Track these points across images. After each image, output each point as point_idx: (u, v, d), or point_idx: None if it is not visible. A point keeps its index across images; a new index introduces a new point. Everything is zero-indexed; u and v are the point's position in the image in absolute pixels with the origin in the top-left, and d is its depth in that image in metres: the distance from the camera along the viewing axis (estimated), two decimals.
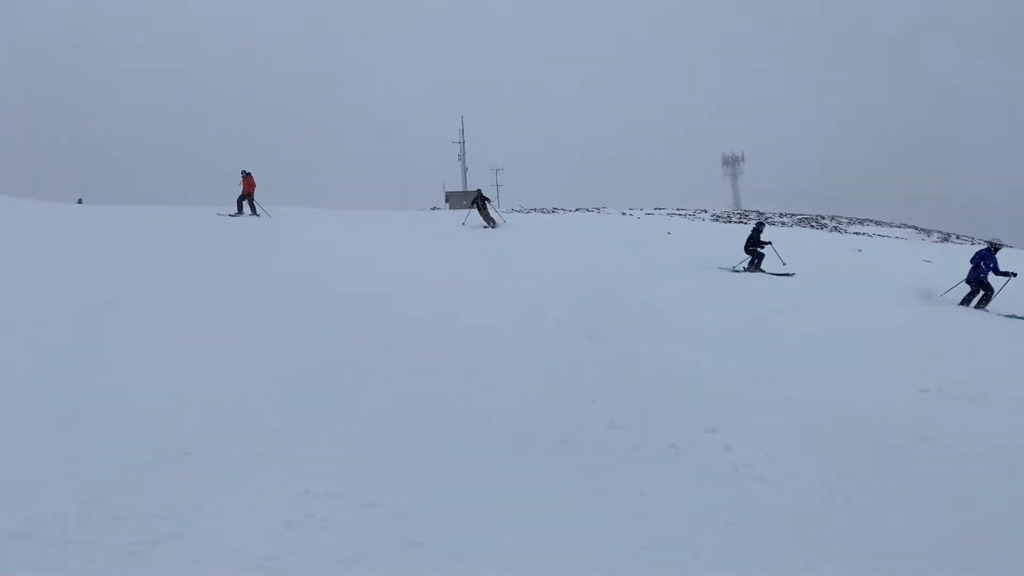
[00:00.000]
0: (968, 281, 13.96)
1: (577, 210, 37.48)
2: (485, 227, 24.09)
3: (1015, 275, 13.82)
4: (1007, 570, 3.81)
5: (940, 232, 37.24)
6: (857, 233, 32.75)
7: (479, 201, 24.79)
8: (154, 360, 6.39)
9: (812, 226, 35.76)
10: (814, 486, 4.74)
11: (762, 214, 40.87)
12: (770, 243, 17.54)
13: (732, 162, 69.60)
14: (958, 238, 35.41)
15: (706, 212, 39.82)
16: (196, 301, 8.58)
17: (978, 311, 13.46)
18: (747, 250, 17.51)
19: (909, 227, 38.76)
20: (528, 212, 36.04)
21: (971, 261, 14.09)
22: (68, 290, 8.44)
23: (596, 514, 4.27)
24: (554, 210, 37.95)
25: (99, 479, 4.21)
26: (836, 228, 35.52)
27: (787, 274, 16.74)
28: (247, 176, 21.90)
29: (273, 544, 3.69)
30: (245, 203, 21.82)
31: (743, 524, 4.20)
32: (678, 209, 40.13)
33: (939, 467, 5.17)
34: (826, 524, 4.24)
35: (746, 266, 17.48)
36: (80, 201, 29.92)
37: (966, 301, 13.90)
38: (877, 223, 39.81)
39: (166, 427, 5.01)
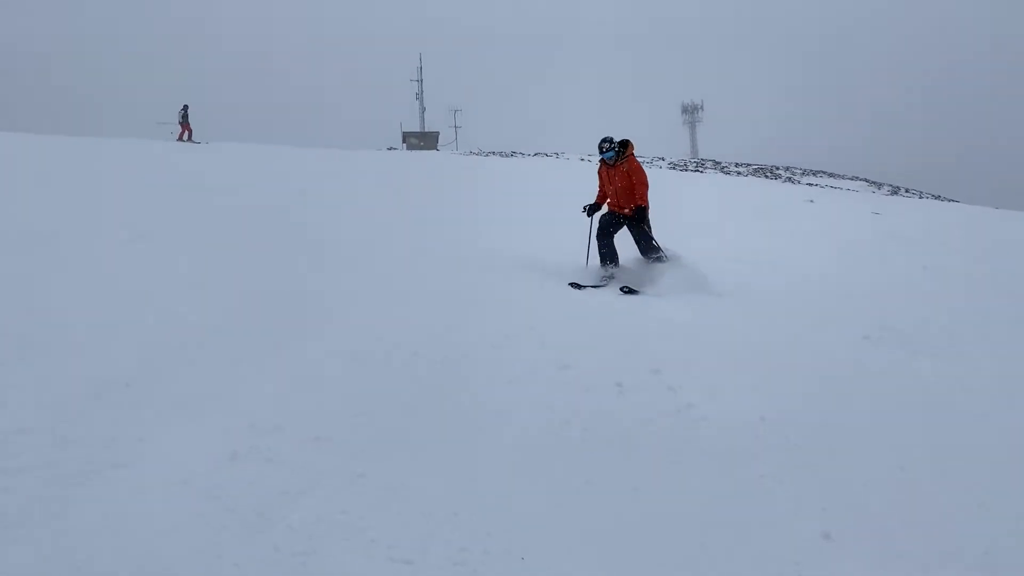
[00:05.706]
0: None
1: (536, 155, 37.18)
2: None
3: None
4: (936, 503, 3.99)
5: (890, 185, 37.96)
6: (810, 184, 33.18)
7: None
8: (96, 292, 6.25)
9: (767, 176, 36.12)
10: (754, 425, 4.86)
11: (718, 163, 41.09)
12: None
13: (691, 110, 69.28)
14: (907, 191, 36.12)
15: (663, 160, 39.84)
16: (141, 234, 8.36)
17: None
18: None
19: (861, 179, 39.43)
20: (487, 155, 35.65)
21: None
22: (5, 222, 8.16)
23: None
24: (512, 154, 37.60)
25: (39, 409, 4.15)
26: (790, 179, 35.90)
27: None
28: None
29: (218, 476, 3.70)
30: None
31: (683, 461, 4.33)
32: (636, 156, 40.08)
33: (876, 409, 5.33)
34: (764, 461, 4.38)
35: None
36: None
37: None
38: (830, 175, 40.38)
39: (108, 360, 4.93)
